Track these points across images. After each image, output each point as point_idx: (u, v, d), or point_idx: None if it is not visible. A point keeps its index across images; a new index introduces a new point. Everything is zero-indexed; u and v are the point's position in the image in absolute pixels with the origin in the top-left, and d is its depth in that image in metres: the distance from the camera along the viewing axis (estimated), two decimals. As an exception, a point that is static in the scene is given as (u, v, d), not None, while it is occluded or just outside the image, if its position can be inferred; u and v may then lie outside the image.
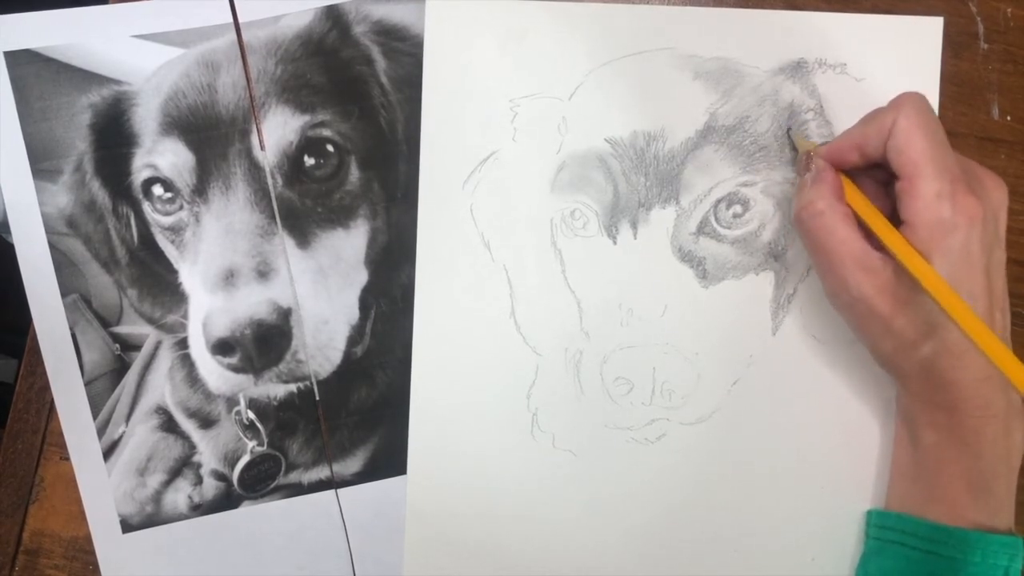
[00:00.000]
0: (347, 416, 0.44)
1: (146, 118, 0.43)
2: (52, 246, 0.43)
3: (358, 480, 0.44)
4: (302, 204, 0.43)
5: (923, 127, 0.35)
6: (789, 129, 0.42)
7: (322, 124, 0.43)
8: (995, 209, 0.36)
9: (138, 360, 0.44)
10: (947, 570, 0.36)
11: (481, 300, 0.43)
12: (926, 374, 0.36)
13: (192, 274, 0.43)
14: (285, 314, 0.43)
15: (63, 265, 0.43)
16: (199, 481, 0.44)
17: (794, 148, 0.42)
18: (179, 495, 0.44)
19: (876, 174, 0.38)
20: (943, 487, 0.37)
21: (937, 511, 0.37)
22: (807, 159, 0.39)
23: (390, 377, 0.44)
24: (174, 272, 0.43)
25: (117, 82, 0.43)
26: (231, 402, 0.43)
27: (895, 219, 0.36)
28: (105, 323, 0.43)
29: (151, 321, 0.44)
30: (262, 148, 0.43)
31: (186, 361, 0.43)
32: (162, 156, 0.43)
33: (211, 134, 0.43)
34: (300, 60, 0.43)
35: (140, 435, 0.44)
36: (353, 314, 0.44)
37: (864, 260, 0.36)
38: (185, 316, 0.43)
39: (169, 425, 0.44)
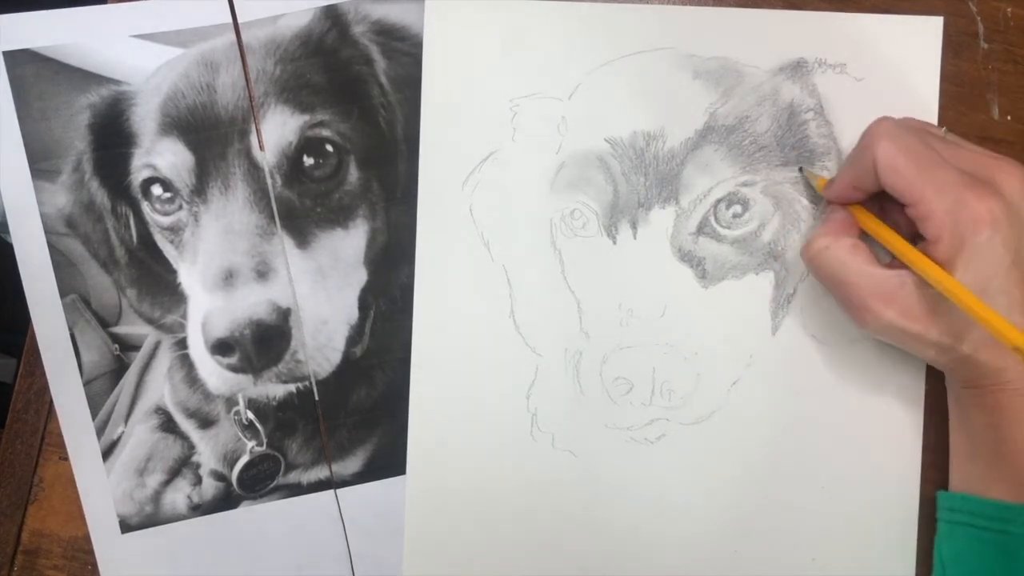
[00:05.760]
0: (346, 416, 0.44)
1: (145, 118, 0.43)
2: (51, 246, 0.43)
3: (357, 480, 0.44)
4: (301, 204, 0.43)
5: (903, 153, 0.35)
6: (800, 169, 0.42)
7: (321, 124, 0.43)
8: (1016, 200, 0.34)
9: (137, 360, 0.43)
10: (1021, 547, 0.35)
11: (481, 300, 0.43)
12: (971, 366, 0.36)
13: (191, 274, 0.43)
14: (284, 314, 0.43)
15: (62, 265, 0.43)
16: (198, 481, 0.44)
17: (809, 185, 0.42)
18: (178, 495, 0.44)
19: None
20: (1002, 466, 0.37)
21: (1000, 490, 0.37)
22: (826, 203, 0.40)
23: (389, 377, 0.44)
24: (173, 272, 0.43)
25: (116, 82, 0.43)
26: (230, 402, 0.43)
27: (918, 238, 0.36)
28: (104, 323, 0.43)
29: (150, 321, 0.43)
30: (261, 148, 0.43)
31: (185, 361, 0.43)
32: (161, 156, 0.43)
33: (210, 134, 0.43)
34: (299, 60, 0.43)
35: (139, 435, 0.44)
36: (352, 314, 0.44)
37: (880, 287, 0.36)
38: (184, 316, 0.43)
39: (168, 425, 0.44)
